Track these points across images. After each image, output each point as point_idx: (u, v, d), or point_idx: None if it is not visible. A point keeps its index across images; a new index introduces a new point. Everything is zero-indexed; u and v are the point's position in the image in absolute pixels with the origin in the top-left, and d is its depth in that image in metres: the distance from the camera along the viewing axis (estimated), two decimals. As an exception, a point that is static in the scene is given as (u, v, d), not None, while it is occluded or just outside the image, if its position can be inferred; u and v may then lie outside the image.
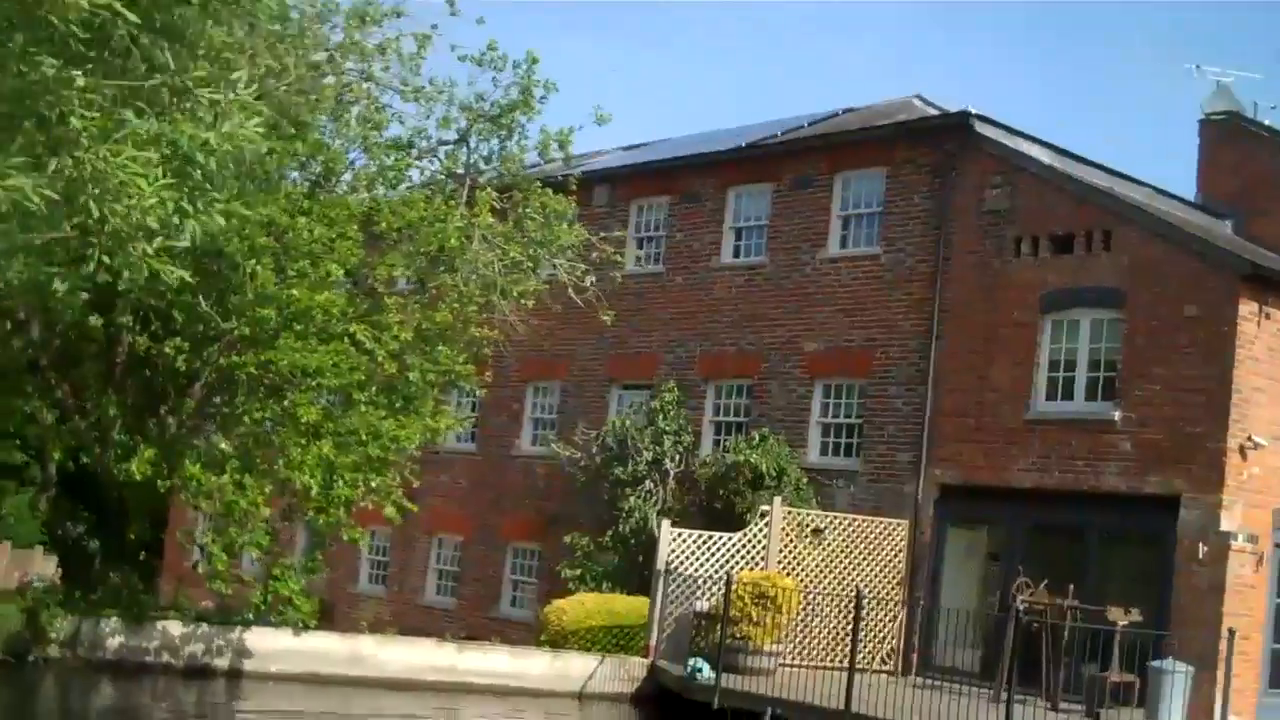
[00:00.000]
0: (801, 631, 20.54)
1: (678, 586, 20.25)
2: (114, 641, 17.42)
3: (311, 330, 16.47)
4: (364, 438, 17.09)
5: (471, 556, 28.57)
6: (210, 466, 16.68)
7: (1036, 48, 69.50)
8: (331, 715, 17.49)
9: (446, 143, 19.29)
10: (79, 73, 9.60)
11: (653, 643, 20.11)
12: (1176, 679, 16.79)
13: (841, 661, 18.16)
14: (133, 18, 9.30)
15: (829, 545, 21.10)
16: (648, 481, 23.91)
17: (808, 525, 21.07)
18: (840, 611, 20.31)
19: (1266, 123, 26.34)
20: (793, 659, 20.06)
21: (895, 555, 21.43)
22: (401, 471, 18.65)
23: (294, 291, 16.08)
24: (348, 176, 18.67)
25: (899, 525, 21.45)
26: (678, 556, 20.31)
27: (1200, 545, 18.32)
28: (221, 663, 17.79)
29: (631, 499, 23.64)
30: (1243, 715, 18.36)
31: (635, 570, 22.85)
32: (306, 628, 18.15)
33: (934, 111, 23.87)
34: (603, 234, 21.18)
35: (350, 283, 18.74)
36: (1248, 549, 18.48)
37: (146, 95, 9.93)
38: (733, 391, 24.71)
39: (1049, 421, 20.12)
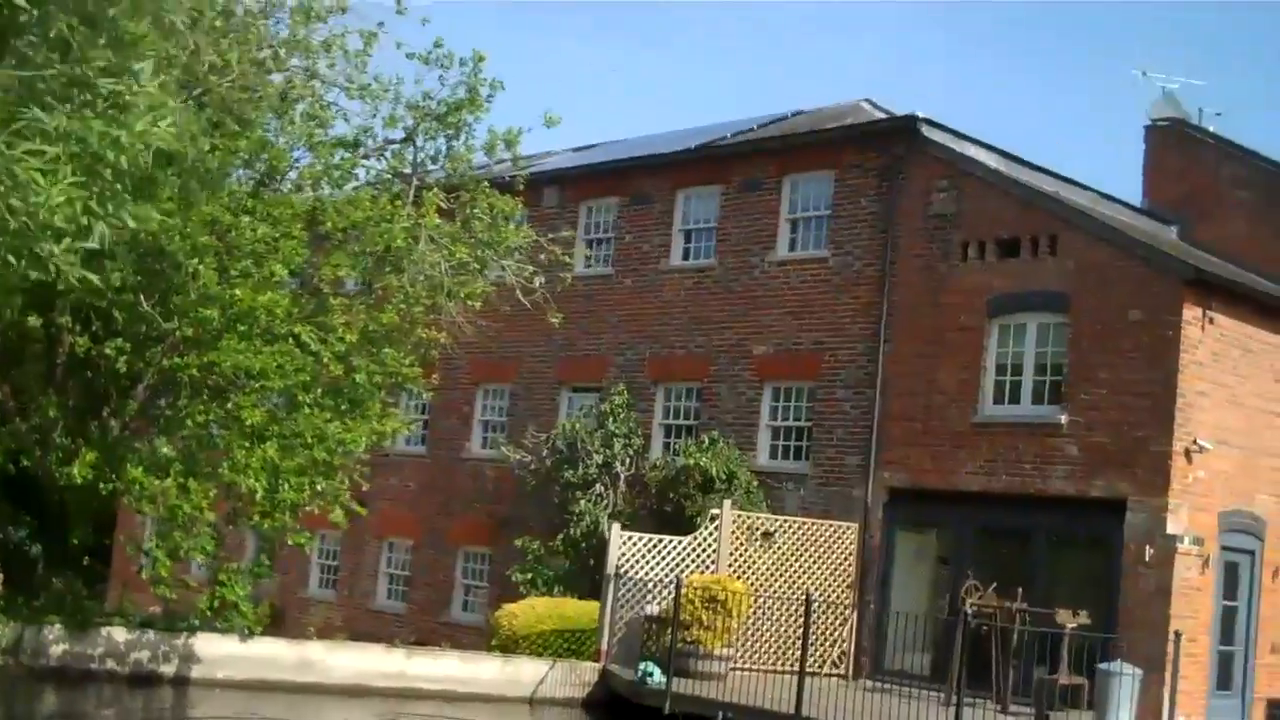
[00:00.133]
0: (752, 635, 20.57)
1: (628, 590, 20.23)
2: (57, 649, 17.12)
3: (256, 331, 16.29)
4: (309, 441, 16.93)
5: (422, 560, 28.44)
6: (153, 470, 16.46)
7: (996, 53, 69.93)
8: (279, 722, 17.39)
9: (393, 142, 19.13)
10: None
11: (604, 647, 20.08)
12: (1125, 681, 16.92)
13: (793, 665, 18.20)
14: (21, 2, 9.03)
15: (779, 549, 21.13)
16: (598, 485, 23.86)
17: (758, 529, 21.10)
18: (791, 615, 20.34)
19: (1211, 129, 26.60)
20: (744, 663, 20.11)
21: (845, 559, 21.49)
22: (350, 475, 18.51)
23: (237, 292, 15.90)
24: (293, 175, 18.47)
25: (849, 529, 21.51)
26: (628, 560, 20.29)
27: (1147, 548, 18.44)
28: (168, 669, 17.56)
29: (582, 502, 23.59)
30: (1192, 717, 18.55)
31: (586, 574, 22.81)
32: (252, 634, 17.99)
33: (882, 115, 23.95)
34: (551, 235, 21.06)
35: (297, 283, 18.58)
36: (1194, 552, 18.63)
37: (54, 88, 9.65)
38: (682, 394, 24.71)
39: (996, 425, 20.23)
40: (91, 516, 18.92)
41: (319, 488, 17.39)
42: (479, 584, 27.29)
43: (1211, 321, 19.13)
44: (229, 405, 16.62)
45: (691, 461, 22.38)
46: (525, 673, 19.55)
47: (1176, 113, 26.51)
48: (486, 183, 19.49)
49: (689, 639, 18.96)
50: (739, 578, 20.35)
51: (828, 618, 21.01)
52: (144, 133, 9.54)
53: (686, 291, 24.73)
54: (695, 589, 19.18)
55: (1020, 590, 18.70)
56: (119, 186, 9.81)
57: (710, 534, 20.76)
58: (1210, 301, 19.18)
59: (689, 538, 20.74)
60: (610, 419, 24.36)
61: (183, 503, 16.30)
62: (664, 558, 20.45)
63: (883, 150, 22.34)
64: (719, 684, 18.72)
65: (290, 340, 16.84)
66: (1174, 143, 26.31)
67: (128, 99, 9.64)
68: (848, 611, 21.25)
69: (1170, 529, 18.43)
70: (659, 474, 23.42)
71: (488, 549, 26.99)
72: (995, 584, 18.96)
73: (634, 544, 20.41)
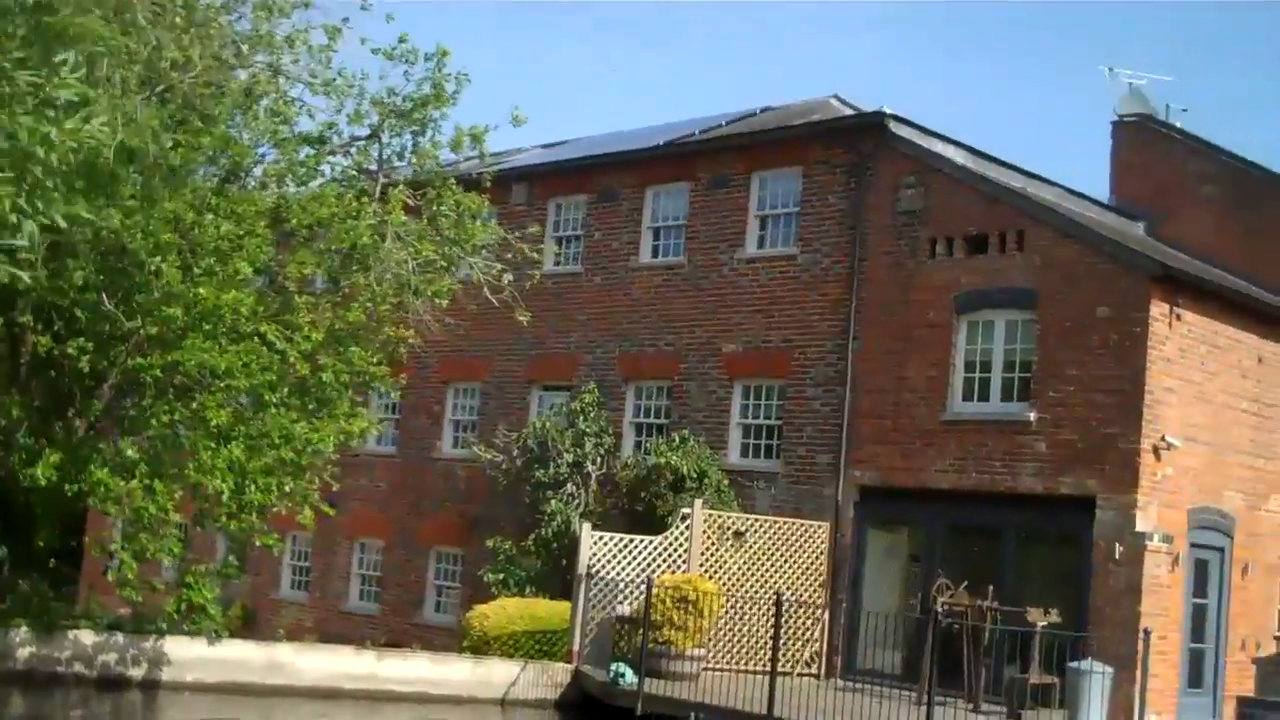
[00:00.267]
0: (725, 635, 20.54)
1: (600, 591, 20.17)
2: (24, 652, 16.95)
3: (221, 330, 16.15)
4: (276, 441, 16.81)
5: (394, 561, 28.32)
6: (118, 471, 16.31)
7: (965, 50, 70.02)
8: (249, 725, 17.30)
9: (359, 138, 18.99)
10: None
11: (576, 648, 20.02)
12: (1096, 679, 16.92)
13: (765, 665, 18.16)
14: None
15: (751, 548, 21.10)
16: (569, 484, 23.78)
17: (729, 528, 21.07)
18: (763, 614, 20.29)
19: (1178, 125, 26.69)
20: (716, 663, 20.06)
21: (817, 557, 21.48)
22: (320, 475, 18.40)
23: (201, 290, 15.75)
24: (258, 171, 18.32)
25: (820, 527, 21.49)
26: (599, 560, 20.23)
27: (1116, 546, 18.48)
28: (137, 673, 17.41)
29: (553, 502, 23.51)
30: (1163, 715, 18.58)
31: (558, 574, 22.74)
32: (220, 636, 17.87)
33: (850, 112, 23.91)
34: (519, 232, 20.97)
35: (265, 281, 18.43)
36: (1163, 549, 18.67)
37: None
38: (653, 393, 24.65)
39: (965, 422, 20.23)
40: (59, 518, 18.75)
41: (287, 488, 17.27)
42: (451, 585, 27.19)
43: (1179, 318, 19.17)
44: (194, 405, 16.47)
45: (662, 460, 22.32)
46: (497, 674, 19.48)
47: (1143, 109, 26.59)
48: (453, 180, 19.35)
49: (661, 639, 18.91)
50: (711, 577, 20.32)
51: (800, 617, 20.99)
52: (75, 130, 9.38)
53: (656, 289, 24.67)
54: (666, 589, 19.13)
55: (991, 589, 18.73)
56: (49, 184, 9.63)
57: (681, 533, 20.72)
58: (1177, 298, 19.22)
59: (660, 537, 20.69)
60: (581, 418, 24.28)
61: (148, 504, 16.15)
62: (635, 558, 20.40)
63: (850, 147, 22.31)
64: (691, 684, 18.69)
65: (256, 339, 16.70)
66: (1141, 139, 26.41)
67: (48, 93, 9.45)
68: (820, 611, 21.23)
69: (1139, 526, 18.46)
70: (630, 473, 23.36)
71: (460, 549, 26.90)
72: (966, 582, 18.97)
73: (605, 544, 20.35)
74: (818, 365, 22.13)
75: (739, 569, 20.96)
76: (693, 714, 17.49)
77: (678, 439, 22.85)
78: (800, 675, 19.81)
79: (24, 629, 17.01)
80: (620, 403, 24.82)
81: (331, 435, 17.74)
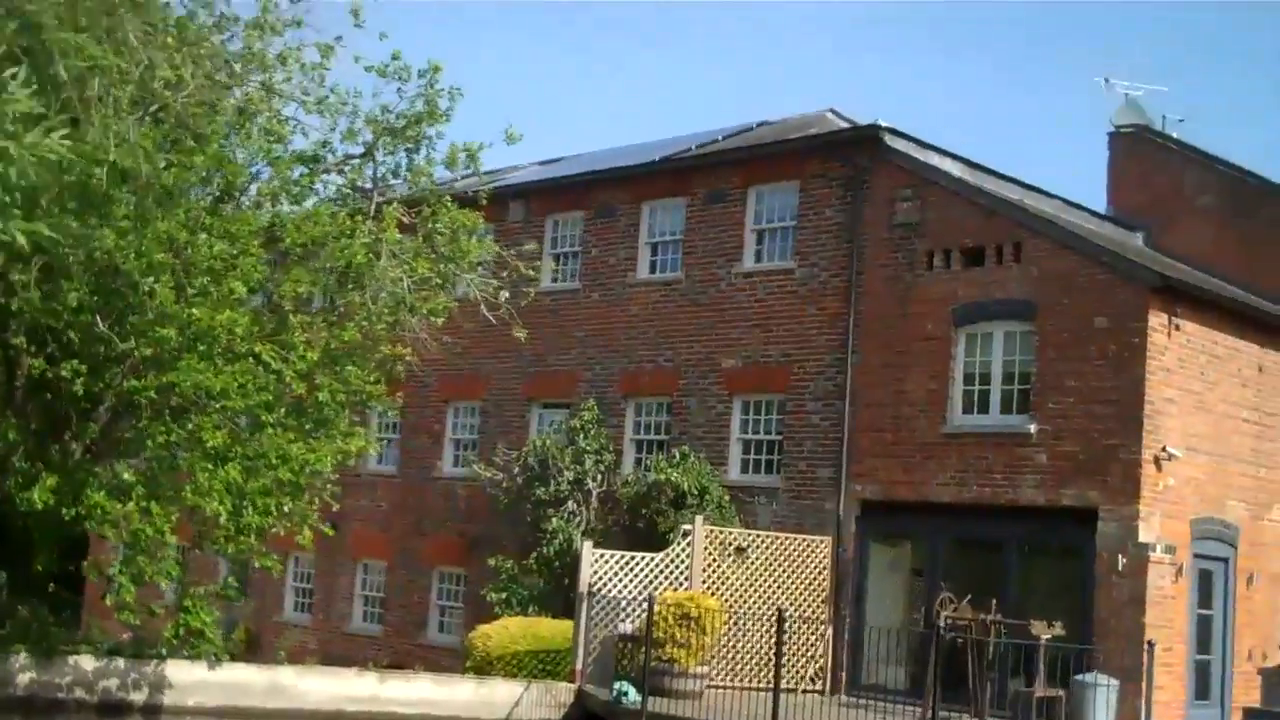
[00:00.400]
0: (728, 652, 20.47)
1: (602, 609, 20.08)
2: (24, 677, 16.78)
3: (216, 350, 16.08)
4: (274, 461, 16.74)
5: (396, 582, 28.25)
6: (115, 494, 16.23)
7: (962, 61, 70.08)
8: (251, 749, 17.23)
9: (353, 157, 18.97)
10: None
11: (578, 667, 19.92)
12: (1101, 692, 16.85)
13: (769, 682, 18.08)
14: None
15: (752, 564, 21.02)
16: (570, 502, 23.71)
17: (730, 544, 20.99)
18: (766, 631, 20.19)
19: (1175, 135, 26.68)
20: (720, 680, 19.98)
21: (819, 572, 21.39)
22: (320, 494, 18.32)
23: (195, 310, 15.68)
24: (252, 190, 18.27)
25: (822, 542, 21.42)
26: (601, 578, 20.15)
27: (1119, 557, 18.39)
28: (138, 697, 17.26)
29: (554, 520, 23.44)
30: (1169, 727, 18.52)
31: (561, 593, 22.67)
32: (220, 660, 17.80)
33: (845, 125, 23.89)
34: (514, 249, 20.93)
35: (263, 300, 18.38)
36: (1166, 560, 18.58)
37: None
38: (653, 409, 24.60)
39: (966, 435, 20.17)
40: (57, 542, 18.66)
41: (285, 509, 17.19)
42: (454, 604, 27.11)
43: (1178, 328, 19.12)
44: (190, 427, 16.39)
45: (663, 477, 22.26)
46: (500, 694, 19.38)
47: (1139, 119, 26.58)
48: (448, 197, 19.31)
49: (664, 657, 18.82)
50: (713, 594, 20.24)
51: (803, 633, 20.90)
52: (35, 145, 9.30)
53: (654, 305, 24.64)
54: (669, 606, 19.05)
55: (994, 602, 18.61)
56: (7, 200, 9.56)
57: (683, 550, 20.65)
58: (1176, 308, 19.17)
59: (662, 554, 20.61)
60: (581, 435, 24.23)
61: (145, 526, 16.06)
62: (637, 575, 20.32)
63: (846, 160, 22.29)
64: (695, 702, 18.59)
65: (251, 359, 16.63)
66: (1137, 149, 26.39)
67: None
68: (823, 626, 21.14)
69: (1142, 537, 18.38)
70: (631, 490, 23.29)
71: (462, 569, 26.83)
72: (969, 596, 18.85)
73: (606, 562, 20.27)
74: (817, 379, 22.08)
75: (741, 585, 20.88)
76: (696, 731, 17.41)
77: (678, 455, 22.79)
78: (805, 692, 19.71)
79: (23, 655, 16.89)
80: (620, 419, 24.76)
81: (329, 455, 17.66)
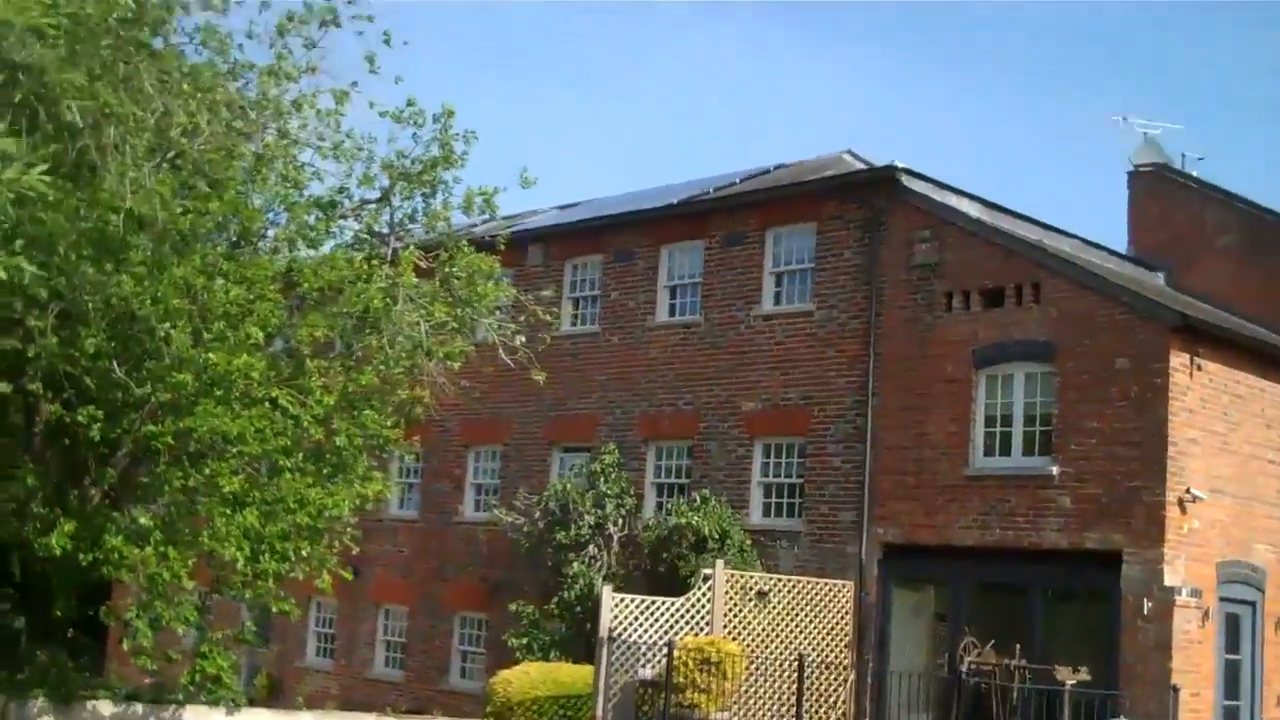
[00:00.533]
0: (749, 697, 20.25)
1: (622, 654, 19.92)
2: (42, 723, 16.94)
3: (234, 396, 16.07)
4: (292, 505, 16.70)
5: (418, 627, 28.15)
6: (132, 538, 16.21)
7: (981, 103, 70.14)
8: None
9: (369, 202, 19.01)
10: None
11: (598, 713, 19.73)
12: (1127, 738, 16.62)
13: (789, 728, 17.90)
14: None
15: (774, 608, 20.84)
16: (591, 546, 23.62)
17: (751, 588, 20.83)
18: (787, 676, 19.99)
19: (1194, 174, 26.57)
20: (740, 725, 19.82)
21: (841, 617, 21.20)
22: (340, 538, 18.25)
23: (211, 355, 15.69)
24: (270, 234, 18.29)
25: (844, 586, 21.24)
26: (621, 623, 20.00)
27: (1144, 601, 18.16)
28: (155, 743, 17.35)
29: (575, 564, 23.34)
30: (1199, 773, 18.23)
31: (582, 638, 22.53)
32: (238, 705, 17.71)
33: (862, 166, 23.87)
34: (531, 294, 20.91)
35: (283, 345, 18.38)
36: (1192, 604, 18.34)
37: None
38: (673, 452, 24.51)
39: (988, 477, 20.00)
40: (77, 588, 18.64)
41: (304, 553, 17.13)
42: (476, 650, 26.99)
43: (1199, 368, 18.95)
44: (207, 471, 16.37)
45: (684, 521, 22.15)
46: (518, 741, 19.26)
47: (1158, 158, 26.50)
48: (465, 241, 19.33)
49: (684, 702, 18.65)
50: (734, 639, 20.07)
51: (825, 678, 20.68)
52: (14, 180, 9.34)
53: (673, 348, 24.59)
54: (689, 651, 18.89)
55: (1018, 646, 18.43)
56: None
57: (704, 594, 20.49)
58: (1197, 347, 19.02)
59: (682, 599, 20.46)
60: (601, 479, 24.16)
61: (162, 571, 16.02)
62: (658, 620, 20.16)
63: (863, 202, 22.26)
64: (714, 747, 18.43)
65: (268, 404, 16.60)
66: (1157, 188, 26.30)
67: None
68: (846, 671, 20.92)
69: (1167, 580, 18.16)
70: (652, 534, 23.17)
71: (483, 614, 26.72)
72: (993, 640, 18.68)
73: (627, 606, 20.13)
74: (837, 422, 21.97)
75: (763, 630, 20.70)
76: (716, 779, 17.22)
77: (699, 499, 22.69)
78: (826, 737, 19.51)
79: (42, 700, 16.90)
80: (641, 463, 24.68)
81: (347, 499, 17.61)
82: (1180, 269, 25.37)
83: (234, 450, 16.19)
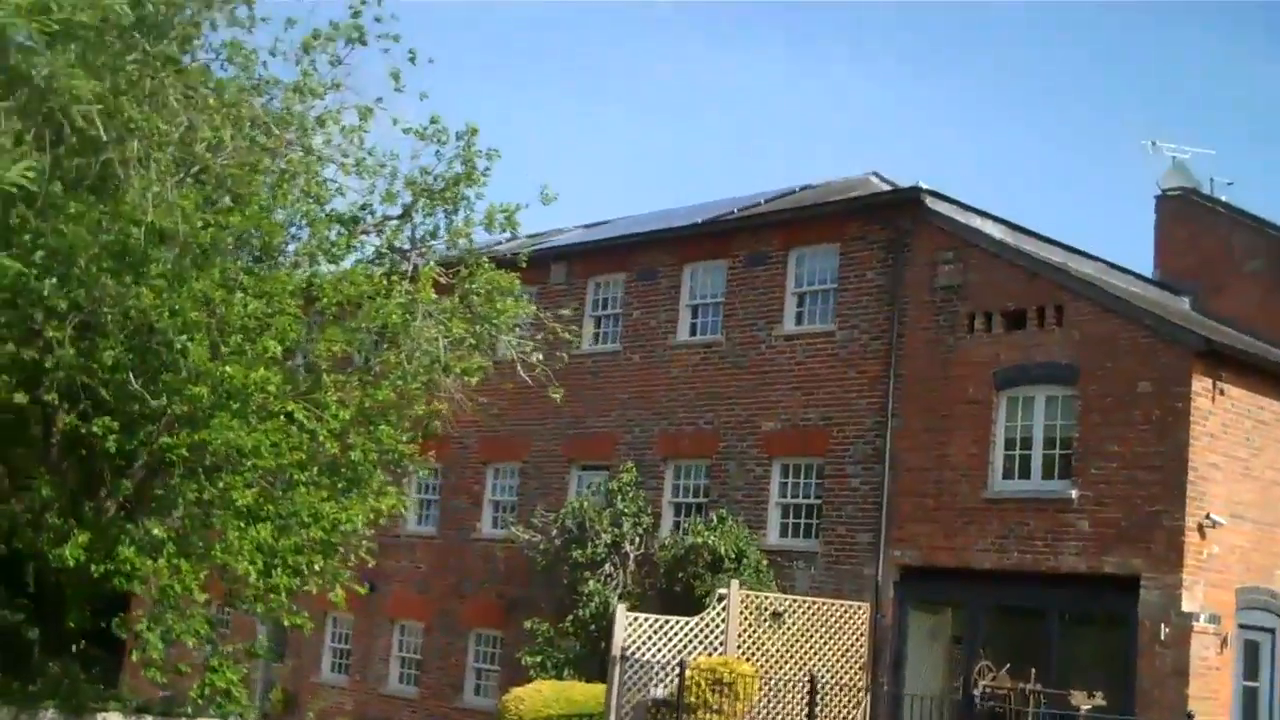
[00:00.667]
0: (763, 718, 20.14)
1: (634, 673, 19.84)
2: (51, 734, 16.95)
3: (250, 409, 16.07)
4: (306, 519, 16.69)
5: (434, 644, 28.10)
6: (145, 550, 16.22)
7: (1010, 127, 70.01)
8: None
9: (391, 217, 19.05)
10: None
11: (609, 731, 19.69)
12: (1142, 765, 16.44)
13: (801, 750, 17.77)
14: None
15: (789, 629, 20.72)
16: (607, 564, 23.55)
17: (766, 608, 20.72)
18: (801, 697, 19.87)
19: (1223, 199, 26.38)
20: (753, 747, 19.69)
21: (857, 639, 21.07)
22: (356, 551, 18.22)
23: (228, 368, 15.71)
24: (291, 249, 18.32)
25: (860, 608, 21.11)
26: (634, 642, 19.91)
27: (1162, 626, 18.00)
28: (164, 755, 17.35)
29: (591, 583, 23.28)
30: (1215, 802, 18.03)
31: (596, 656, 22.45)
32: (245, 720, 17.69)
33: (887, 187, 23.80)
34: (550, 312, 20.90)
35: (301, 359, 18.39)
36: (1210, 630, 18.17)
37: None
38: (691, 472, 24.43)
39: (1007, 500, 19.86)
40: (90, 600, 18.66)
41: (317, 567, 17.11)
42: (491, 667, 26.92)
43: (1222, 393, 18.80)
44: (220, 485, 16.37)
45: (700, 540, 22.07)
46: (529, 759, 19.18)
47: (1187, 182, 26.32)
48: (486, 258, 19.34)
49: (696, 723, 18.55)
50: (748, 659, 19.96)
51: (840, 700, 20.54)
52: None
53: (694, 367, 24.54)
54: (702, 671, 18.80)
55: (1034, 670, 18.25)
56: None
57: (718, 614, 20.39)
58: (1220, 372, 18.86)
59: (696, 618, 20.37)
60: (619, 497, 24.10)
61: (174, 583, 16.02)
62: (671, 639, 20.07)
63: (887, 223, 22.19)
64: (726, 769, 18.32)
65: (284, 418, 16.60)
66: (1185, 212, 26.11)
67: None
68: (860, 694, 20.79)
69: (1185, 606, 17.99)
70: (668, 553, 23.08)
71: (499, 631, 26.66)
72: (1009, 664, 18.50)
73: (640, 625, 20.05)
74: (857, 443, 21.87)
75: (777, 651, 20.58)
76: (727, 800, 17.10)
77: (716, 519, 22.60)
78: (840, 760, 19.37)
79: (52, 711, 16.92)
80: (659, 482, 24.61)
81: (361, 514, 17.59)
82: (1207, 293, 25.18)
83: (249, 463, 16.19)
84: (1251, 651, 19.45)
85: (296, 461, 16.67)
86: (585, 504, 24.33)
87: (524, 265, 20.09)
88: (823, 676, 19.85)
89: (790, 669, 20.42)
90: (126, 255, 15.08)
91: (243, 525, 16.27)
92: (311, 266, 18.44)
